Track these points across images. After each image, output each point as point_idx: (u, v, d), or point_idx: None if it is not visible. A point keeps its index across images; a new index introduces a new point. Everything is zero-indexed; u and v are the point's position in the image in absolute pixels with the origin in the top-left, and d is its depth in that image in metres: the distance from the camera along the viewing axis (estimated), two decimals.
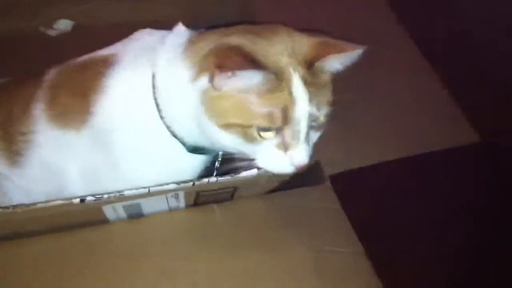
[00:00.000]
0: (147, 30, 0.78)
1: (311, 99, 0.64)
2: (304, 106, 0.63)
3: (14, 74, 0.87)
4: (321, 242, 0.79)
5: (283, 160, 0.66)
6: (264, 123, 0.62)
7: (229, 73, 0.59)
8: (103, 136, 0.72)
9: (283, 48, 0.65)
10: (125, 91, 0.72)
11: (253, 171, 0.73)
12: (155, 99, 0.70)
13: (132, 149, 0.74)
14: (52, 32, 1.10)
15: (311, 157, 0.68)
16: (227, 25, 0.71)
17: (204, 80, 0.63)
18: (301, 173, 0.69)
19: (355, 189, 1.18)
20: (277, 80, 0.62)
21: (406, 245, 1.22)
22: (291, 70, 0.64)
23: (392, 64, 1.16)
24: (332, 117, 0.69)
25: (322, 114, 0.67)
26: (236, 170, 0.71)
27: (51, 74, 0.78)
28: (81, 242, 0.75)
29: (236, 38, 0.65)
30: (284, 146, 0.65)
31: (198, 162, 0.78)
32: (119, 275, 0.72)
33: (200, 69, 0.64)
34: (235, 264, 0.75)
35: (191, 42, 0.69)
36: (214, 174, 0.77)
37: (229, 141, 0.65)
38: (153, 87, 0.70)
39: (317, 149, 0.76)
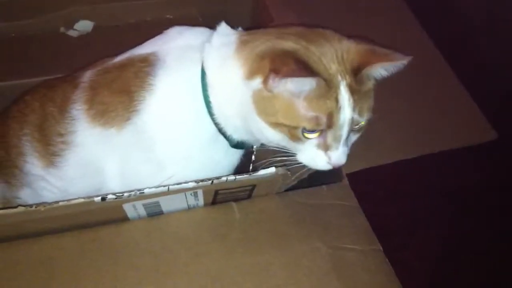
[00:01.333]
0: (178, 28, 0.80)
1: (355, 106, 0.67)
2: (348, 113, 0.66)
3: (39, 75, 0.88)
4: (338, 240, 0.80)
5: (322, 159, 0.70)
6: (310, 126, 0.65)
7: (284, 79, 0.62)
8: (147, 134, 0.73)
9: (333, 55, 0.67)
10: (173, 89, 0.74)
11: (271, 170, 0.74)
12: (206, 96, 0.72)
13: (176, 147, 0.75)
14: (73, 33, 1.11)
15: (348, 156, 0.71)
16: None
17: (257, 81, 0.66)
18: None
19: (372, 187, 1.18)
20: (327, 87, 0.64)
21: (420, 244, 1.22)
22: (339, 78, 0.66)
23: (408, 63, 1.16)
24: None
25: (363, 120, 0.70)
26: (271, 164, 0.74)
27: (88, 74, 0.78)
28: (101, 239, 0.76)
29: (291, 43, 0.67)
30: (325, 147, 0.69)
31: (236, 157, 0.82)
32: (139, 273, 0.73)
33: (255, 70, 0.67)
34: (253, 261, 0.76)
35: (243, 42, 0.71)
36: (251, 168, 0.82)
37: (275, 138, 0.69)
38: (203, 85, 0.72)
39: None
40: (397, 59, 0.69)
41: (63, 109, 0.76)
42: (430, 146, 0.99)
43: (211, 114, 0.73)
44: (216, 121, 0.73)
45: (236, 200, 0.82)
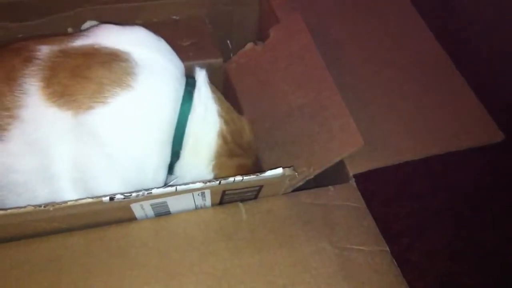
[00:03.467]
0: (140, 32, 0.82)
1: None
2: None
3: None
4: (346, 241, 0.79)
5: None
6: None
7: None
8: (105, 128, 0.72)
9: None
10: (150, 103, 0.74)
11: (278, 170, 0.74)
12: (179, 137, 0.78)
13: (128, 154, 0.75)
14: None
15: None
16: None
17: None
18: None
19: (380, 188, 1.18)
20: None
21: (428, 244, 1.22)
22: None
23: (414, 62, 1.15)
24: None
25: None
26: None
27: (45, 51, 0.75)
28: (109, 239, 0.76)
29: (247, 161, 0.86)
30: None
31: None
32: (146, 272, 0.73)
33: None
34: (260, 261, 0.76)
35: (221, 136, 0.82)
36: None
37: None
38: (180, 126, 0.78)
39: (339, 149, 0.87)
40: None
41: (12, 81, 0.72)
42: (437, 147, 0.99)
43: (173, 151, 0.79)
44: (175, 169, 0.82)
45: (243, 200, 0.82)
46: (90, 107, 0.71)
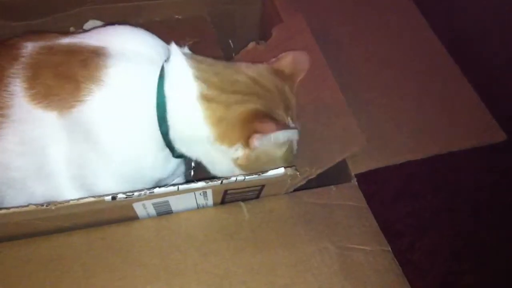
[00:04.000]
0: (123, 28, 0.81)
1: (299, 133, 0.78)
2: (297, 137, 0.79)
3: None
4: (347, 240, 0.80)
5: None
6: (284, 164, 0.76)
7: (265, 137, 0.71)
8: (91, 125, 0.72)
9: (280, 102, 0.78)
10: (124, 92, 0.73)
11: (280, 170, 0.74)
12: (162, 119, 0.74)
13: (119, 148, 0.74)
14: None
15: None
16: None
17: (237, 149, 0.75)
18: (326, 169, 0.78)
19: (381, 187, 1.18)
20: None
21: (429, 244, 1.22)
22: (289, 119, 0.78)
23: (414, 62, 1.16)
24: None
25: None
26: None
27: (30, 48, 0.75)
28: (111, 238, 0.76)
29: (256, 105, 0.75)
30: None
31: (179, 163, 0.85)
32: (148, 271, 0.73)
33: (231, 138, 0.74)
34: (261, 260, 0.76)
35: (205, 98, 0.74)
36: (191, 174, 0.89)
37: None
38: (159, 104, 0.73)
39: (341, 148, 0.89)
40: (306, 66, 0.83)
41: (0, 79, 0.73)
42: (438, 147, 0.99)
43: (163, 133, 0.75)
44: (168, 141, 0.76)
45: (245, 200, 0.82)
46: (71, 106, 0.71)
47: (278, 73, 0.82)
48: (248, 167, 0.76)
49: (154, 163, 0.78)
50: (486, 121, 1.03)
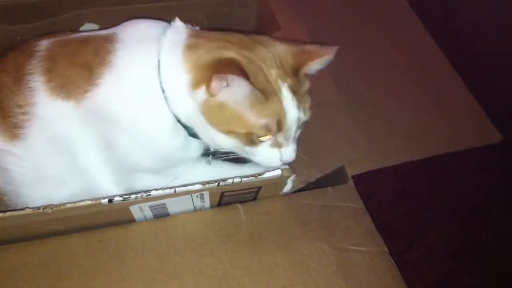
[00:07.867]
0: (137, 20, 0.82)
1: (299, 106, 0.72)
2: (294, 114, 0.71)
3: None
4: (344, 241, 0.80)
5: (275, 157, 0.74)
6: (262, 132, 0.70)
7: (224, 81, 0.66)
8: (107, 108, 0.72)
9: (272, 61, 0.72)
10: (131, 71, 0.73)
11: (277, 172, 0.74)
12: (161, 83, 0.72)
13: (134, 127, 0.74)
14: None
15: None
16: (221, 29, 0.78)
17: (202, 90, 0.69)
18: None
19: (378, 189, 1.18)
20: (264, 94, 0.68)
21: (427, 245, 1.22)
22: (280, 82, 0.70)
23: (412, 64, 1.16)
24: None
25: (307, 117, 0.75)
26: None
27: (45, 44, 0.77)
28: (108, 241, 0.76)
29: (233, 53, 0.70)
30: (277, 146, 0.73)
31: (196, 144, 0.80)
32: (145, 273, 0.73)
33: (199, 80, 0.69)
34: (259, 262, 0.76)
35: (189, 46, 0.72)
36: (210, 158, 0.83)
37: (228, 145, 0.72)
38: (159, 73, 0.72)
39: (339, 150, 0.89)
40: (327, 53, 0.74)
41: (18, 79, 0.75)
42: (436, 148, 0.99)
43: (168, 104, 0.73)
44: (171, 109, 0.73)
45: (242, 201, 0.82)
46: (86, 91, 0.72)
47: (296, 53, 0.75)
48: (212, 116, 0.70)
49: (172, 139, 0.76)
50: (482, 122, 1.04)
